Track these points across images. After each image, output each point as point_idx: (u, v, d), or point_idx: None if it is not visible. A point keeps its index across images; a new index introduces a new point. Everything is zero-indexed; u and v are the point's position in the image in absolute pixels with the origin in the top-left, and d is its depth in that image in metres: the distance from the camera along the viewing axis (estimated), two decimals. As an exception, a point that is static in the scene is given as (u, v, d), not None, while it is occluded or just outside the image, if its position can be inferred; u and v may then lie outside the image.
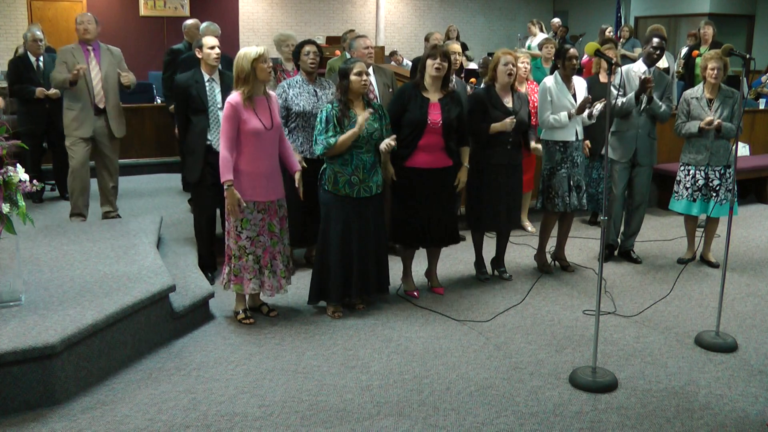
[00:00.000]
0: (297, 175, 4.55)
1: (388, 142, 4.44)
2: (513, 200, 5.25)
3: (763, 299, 5.17)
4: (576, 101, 5.42)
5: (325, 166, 4.55)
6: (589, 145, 5.76)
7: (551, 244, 5.76)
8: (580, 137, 5.48)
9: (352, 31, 8.39)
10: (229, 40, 13.79)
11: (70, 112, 5.89)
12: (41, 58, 7.05)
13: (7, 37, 13.05)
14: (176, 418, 3.41)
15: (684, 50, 9.39)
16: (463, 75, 7.09)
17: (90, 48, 5.87)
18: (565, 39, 12.46)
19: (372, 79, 5.60)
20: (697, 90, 5.71)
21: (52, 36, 6.09)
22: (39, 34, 7.21)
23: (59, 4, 13.58)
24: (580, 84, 5.54)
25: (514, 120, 4.97)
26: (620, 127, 5.63)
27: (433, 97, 4.79)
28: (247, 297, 4.63)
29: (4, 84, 7.85)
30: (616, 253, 6.00)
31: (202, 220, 5.22)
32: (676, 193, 5.84)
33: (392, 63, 11.42)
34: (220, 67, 5.16)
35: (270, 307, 4.70)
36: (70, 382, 3.54)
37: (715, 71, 5.50)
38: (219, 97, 5.00)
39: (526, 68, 6.24)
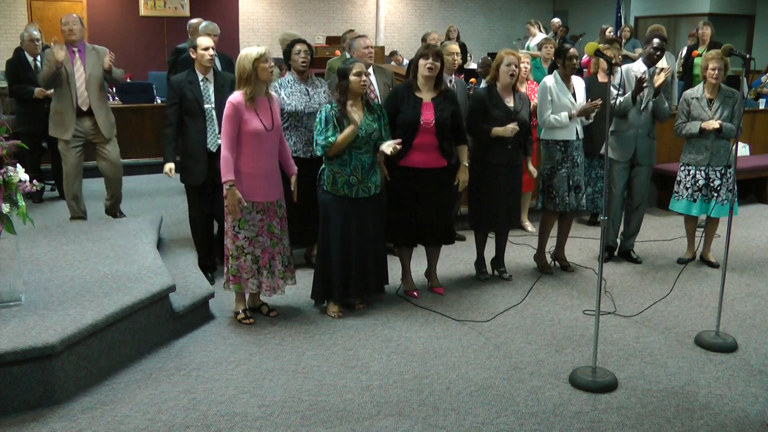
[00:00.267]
0: (293, 179, 4.56)
1: (393, 145, 4.43)
2: (513, 200, 5.25)
3: (763, 299, 5.17)
4: (575, 101, 5.42)
5: (323, 166, 4.55)
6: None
7: (551, 244, 5.76)
8: (581, 136, 5.49)
9: (351, 31, 8.38)
10: (229, 40, 13.81)
11: (53, 112, 5.86)
12: (38, 58, 7.03)
13: (6, 37, 13.06)
14: (176, 418, 3.41)
15: (683, 50, 9.39)
16: (462, 75, 7.09)
17: (75, 49, 5.79)
18: (565, 39, 12.46)
19: (372, 79, 5.60)
20: (697, 90, 5.71)
21: (52, 36, 6.06)
22: (36, 33, 7.20)
23: (59, 4, 13.58)
24: (579, 84, 5.54)
25: (516, 128, 4.97)
26: (619, 127, 5.63)
27: (426, 96, 4.79)
28: (247, 297, 4.63)
29: (4, 84, 7.85)
30: (615, 253, 6.00)
31: (197, 221, 5.22)
32: (677, 193, 5.83)
33: (392, 63, 11.43)
34: (219, 67, 5.15)
35: (270, 307, 4.70)
36: (69, 382, 3.54)
37: (716, 71, 5.49)
38: (213, 98, 5.01)
39: (526, 68, 6.25)
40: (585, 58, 8.70)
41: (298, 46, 5.11)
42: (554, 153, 5.42)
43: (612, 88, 5.49)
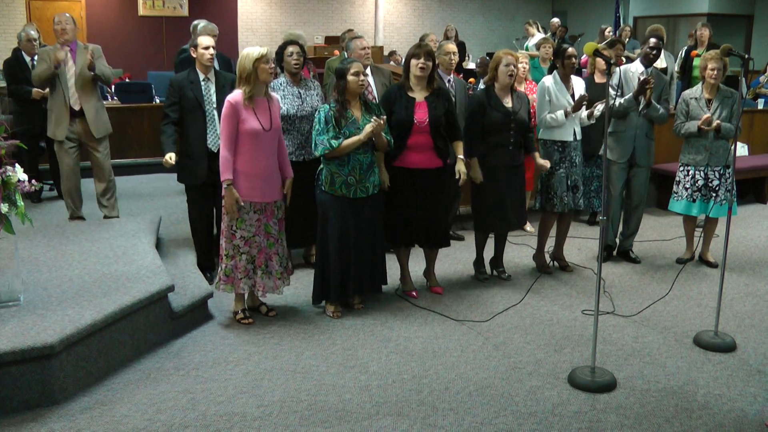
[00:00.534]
0: (288, 182, 4.55)
1: (375, 121, 4.36)
2: (517, 200, 5.25)
3: (762, 299, 5.17)
4: (574, 101, 5.42)
5: (321, 166, 4.55)
6: None
7: (550, 244, 5.76)
8: (579, 137, 5.49)
9: (350, 30, 8.39)
10: (228, 40, 13.82)
11: (50, 113, 5.83)
12: (36, 58, 7.02)
13: (5, 37, 13.05)
14: (175, 418, 3.41)
15: (683, 51, 9.39)
16: (461, 74, 7.09)
17: (68, 48, 5.74)
18: (564, 39, 12.46)
19: (370, 79, 5.59)
20: (696, 90, 5.71)
21: (51, 35, 6.04)
22: (33, 33, 7.19)
23: (58, 4, 13.57)
24: (578, 84, 5.54)
25: (546, 166, 5.13)
26: (618, 128, 5.63)
27: (419, 96, 4.79)
28: (245, 297, 4.63)
29: (3, 84, 7.84)
30: (614, 253, 6.00)
31: (197, 221, 5.21)
32: (676, 193, 5.84)
33: (391, 63, 11.46)
34: (217, 67, 5.14)
35: (269, 307, 4.70)
36: (68, 382, 3.54)
37: (715, 71, 5.50)
38: (214, 98, 5.01)
39: (524, 68, 6.25)
40: (584, 57, 8.70)
41: (290, 48, 5.08)
42: (552, 153, 5.42)
43: (610, 89, 5.49)
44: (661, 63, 8.40)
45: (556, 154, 5.40)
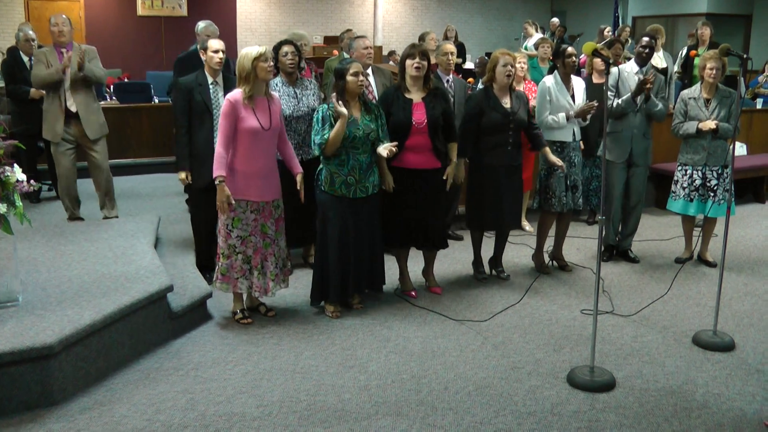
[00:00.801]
0: (299, 177, 4.54)
1: (390, 148, 4.42)
2: (514, 200, 5.25)
3: (761, 298, 5.18)
4: (574, 102, 5.42)
5: (321, 166, 4.55)
6: (582, 146, 5.74)
7: (549, 244, 5.76)
8: (578, 138, 5.49)
9: (349, 30, 8.39)
10: (227, 40, 13.69)
11: (45, 113, 5.81)
12: (33, 59, 7.01)
13: (4, 37, 13.05)
14: (174, 419, 3.41)
15: (683, 50, 9.40)
16: (460, 75, 7.09)
17: (64, 50, 5.74)
18: (563, 39, 12.47)
19: (371, 79, 5.59)
20: (695, 90, 5.72)
21: (48, 35, 6.04)
22: (31, 33, 7.19)
23: (57, 4, 13.57)
24: (578, 85, 5.54)
25: (558, 163, 5.12)
26: (616, 128, 5.63)
27: (416, 97, 4.78)
28: (244, 297, 4.62)
29: (1, 84, 7.83)
30: (614, 252, 6.00)
31: (200, 222, 5.20)
32: (674, 193, 5.84)
33: (390, 63, 11.44)
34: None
35: (267, 306, 4.70)
36: (67, 383, 3.54)
37: (714, 71, 5.50)
38: (222, 102, 4.98)
39: (522, 68, 6.25)
40: (583, 57, 8.70)
41: (285, 48, 5.06)
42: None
43: (609, 90, 5.49)
44: (661, 63, 8.40)
45: (555, 154, 5.40)
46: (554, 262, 5.74)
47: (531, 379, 3.86)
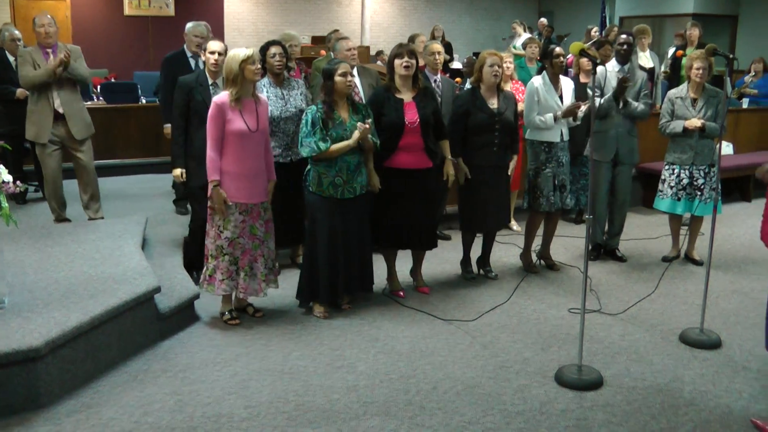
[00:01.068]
0: (270, 185, 4.54)
1: (362, 127, 4.38)
2: (502, 201, 5.26)
3: (747, 296, 5.21)
4: (562, 102, 5.44)
5: (309, 167, 4.55)
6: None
7: (537, 243, 5.78)
8: (566, 138, 5.50)
9: (337, 30, 8.38)
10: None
11: (30, 114, 5.73)
12: (19, 58, 6.94)
13: (-10, 37, 12.94)
14: (162, 420, 3.40)
15: (670, 50, 9.45)
16: (447, 74, 7.10)
17: (49, 51, 5.66)
18: (551, 39, 12.51)
19: (356, 80, 5.59)
20: (682, 90, 5.75)
21: (32, 35, 5.98)
22: (17, 33, 7.13)
23: (44, 3, 13.49)
24: (567, 85, 5.55)
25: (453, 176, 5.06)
26: (601, 127, 5.65)
27: (407, 96, 4.79)
28: (232, 298, 4.61)
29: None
30: (601, 251, 6.03)
31: (198, 222, 5.15)
32: (661, 192, 5.87)
33: (378, 63, 11.43)
34: (201, 67, 5.11)
35: (255, 307, 4.69)
36: (54, 385, 3.52)
37: (701, 71, 5.53)
38: None
39: (509, 68, 6.25)
40: (570, 57, 8.73)
41: (272, 49, 5.05)
42: (539, 153, 5.44)
43: (589, 90, 5.52)
44: (647, 63, 8.45)
45: (543, 154, 5.42)
46: (542, 262, 5.75)
47: (519, 378, 3.87)
